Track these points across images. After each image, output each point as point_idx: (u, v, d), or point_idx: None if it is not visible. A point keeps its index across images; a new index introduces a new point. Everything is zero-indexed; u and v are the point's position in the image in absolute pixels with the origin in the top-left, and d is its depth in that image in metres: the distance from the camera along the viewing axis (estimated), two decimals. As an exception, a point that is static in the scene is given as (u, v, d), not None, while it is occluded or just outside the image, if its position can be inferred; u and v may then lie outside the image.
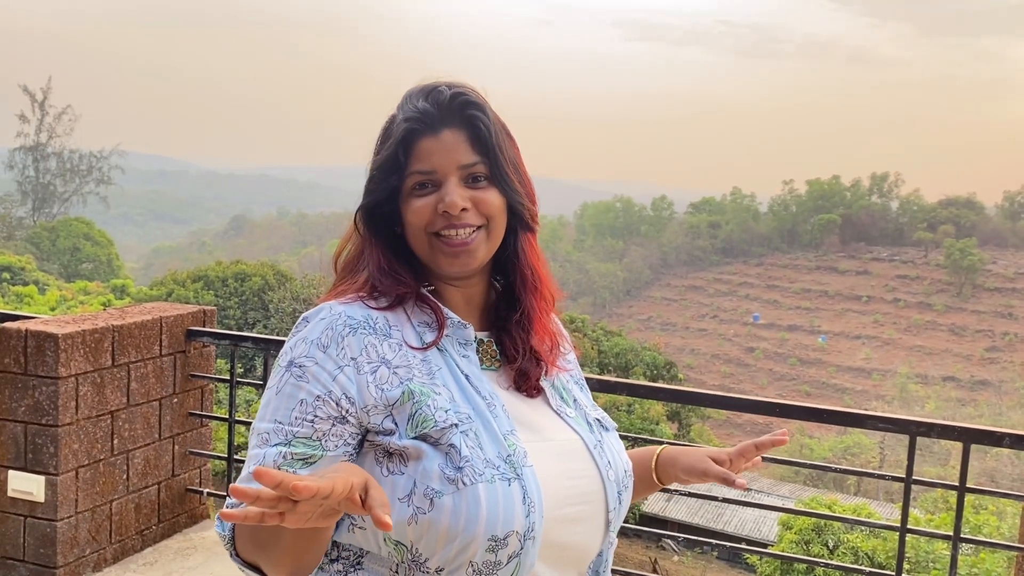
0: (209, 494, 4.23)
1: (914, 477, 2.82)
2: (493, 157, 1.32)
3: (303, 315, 1.29)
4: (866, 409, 52.36)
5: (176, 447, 4.10)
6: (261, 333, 32.15)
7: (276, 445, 1.18)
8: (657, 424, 21.01)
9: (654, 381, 24.84)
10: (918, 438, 2.74)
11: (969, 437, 2.65)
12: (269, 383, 1.24)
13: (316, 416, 1.19)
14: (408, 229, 1.32)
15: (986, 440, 2.69)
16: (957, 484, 2.73)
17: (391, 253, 1.34)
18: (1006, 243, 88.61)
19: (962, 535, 2.68)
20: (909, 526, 2.72)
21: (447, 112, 1.31)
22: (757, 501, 4.19)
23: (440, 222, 1.29)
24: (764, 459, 3.42)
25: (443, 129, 1.31)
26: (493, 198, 1.32)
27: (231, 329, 30.01)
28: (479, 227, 1.31)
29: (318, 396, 1.19)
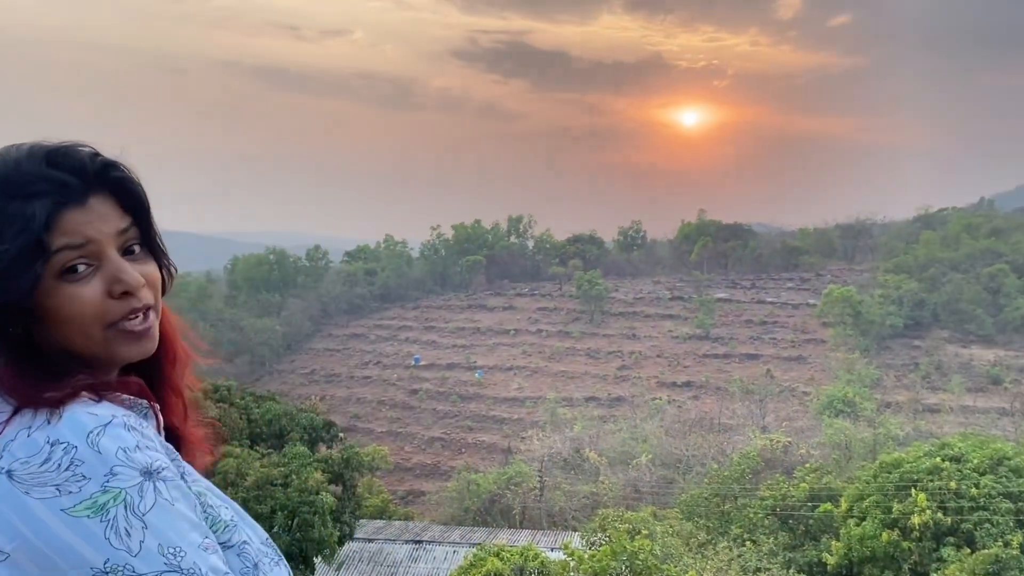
0: None
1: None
2: (146, 221, 1.17)
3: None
4: (522, 437, 55.27)
5: None
6: None
7: None
8: (318, 494, 19.22)
9: (313, 444, 23.48)
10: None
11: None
12: None
13: None
14: (65, 325, 1.09)
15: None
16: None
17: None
18: (624, 272, 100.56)
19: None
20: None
21: (91, 177, 1.13)
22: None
23: (118, 309, 1.10)
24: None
25: (90, 197, 1.11)
26: (153, 269, 1.17)
27: None
28: (151, 307, 1.15)
29: None
